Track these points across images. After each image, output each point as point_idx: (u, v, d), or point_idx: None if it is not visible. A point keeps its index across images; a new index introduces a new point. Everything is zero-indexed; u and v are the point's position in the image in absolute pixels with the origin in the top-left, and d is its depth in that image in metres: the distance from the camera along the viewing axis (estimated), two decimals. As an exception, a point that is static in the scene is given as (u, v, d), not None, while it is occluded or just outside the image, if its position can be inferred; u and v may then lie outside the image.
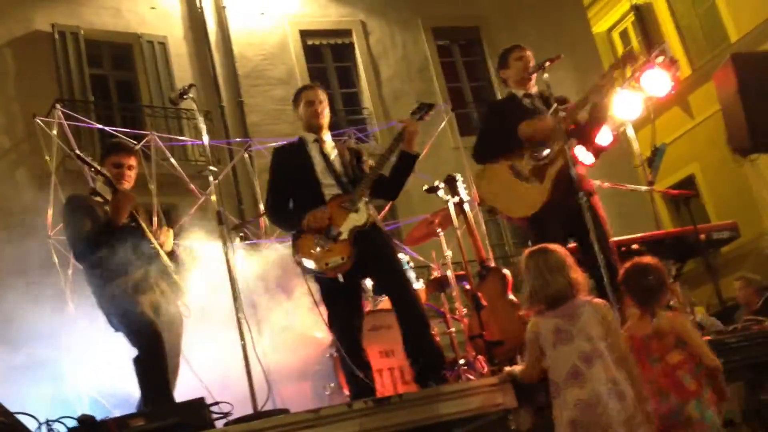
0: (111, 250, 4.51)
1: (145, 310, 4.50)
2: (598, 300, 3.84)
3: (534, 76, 5.12)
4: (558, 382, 3.64)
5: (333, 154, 4.75)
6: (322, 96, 4.86)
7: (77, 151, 4.77)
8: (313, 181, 4.63)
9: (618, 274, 4.24)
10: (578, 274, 3.76)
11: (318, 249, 4.42)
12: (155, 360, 4.44)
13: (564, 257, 3.79)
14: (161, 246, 4.77)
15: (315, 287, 4.69)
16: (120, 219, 4.57)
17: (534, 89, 5.18)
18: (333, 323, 4.56)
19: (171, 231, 4.95)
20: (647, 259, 4.11)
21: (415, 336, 4.39)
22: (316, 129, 4.78)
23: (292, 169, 4.71)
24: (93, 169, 4.58)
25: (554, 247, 3.87)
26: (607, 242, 4.81)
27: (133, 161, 4.85)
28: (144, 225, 4.75)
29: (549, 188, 4.84)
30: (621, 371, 3.58)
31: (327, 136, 4.82)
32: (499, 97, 14.40)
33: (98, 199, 4.71)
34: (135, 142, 9.52)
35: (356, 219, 4.47)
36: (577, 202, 4.56)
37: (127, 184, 4.77)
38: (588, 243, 4.52)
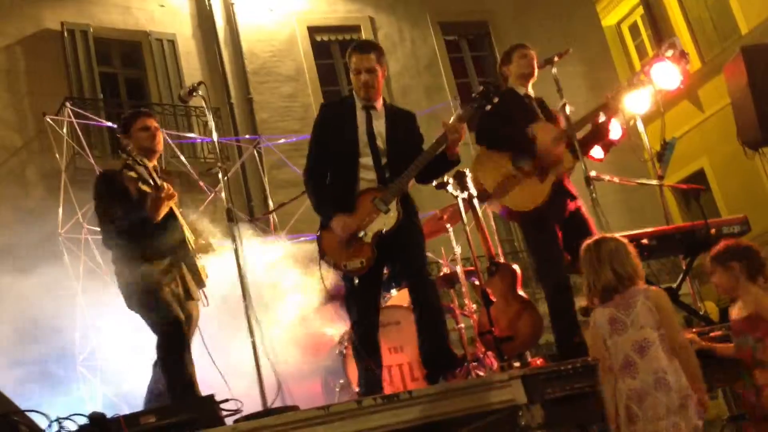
0: (140, 236, 4.45)
1: (168, 298, 4.46)
2: (654, 288, 3.85)
3: (534, 77, 5.12)
4: (615, 371, 3.70)
5: (381, 126, 4.54)
6: (371, 63, 4.49)
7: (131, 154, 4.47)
8: (352, 155, 4.46)
9: None
10: (633, 263, 3.77)
11: (341, 247, 4.38)
12: (176, 347, 4.40)
13: (617, 247, 3.81)
14: (192, 234, 4.74)
15: (333, 279, 4.69)
16: (158, 217, 4.47)
17: (532, 93, 5.17)
18: (352, 317, 4.56)
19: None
20: None
21: (429, 334, 4.38)
22: (366, 99, 4.55)
23: (335, 133, 4.52)
24: (139, 167, 4.34)
25: (609, 237, 3.92)
26: None
27: (156, 122, 4.82)
28: (177, 212, 4.67)
29: (548, 191, 4.87)
30: (674, 361, 3.62)
31: (379, 103, 4.59)
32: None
33: (132, 174, 4.46)
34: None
35: (384, 221, 4.37)
36: (569, 204, 4.70)
37: (159, 145, 4.73)
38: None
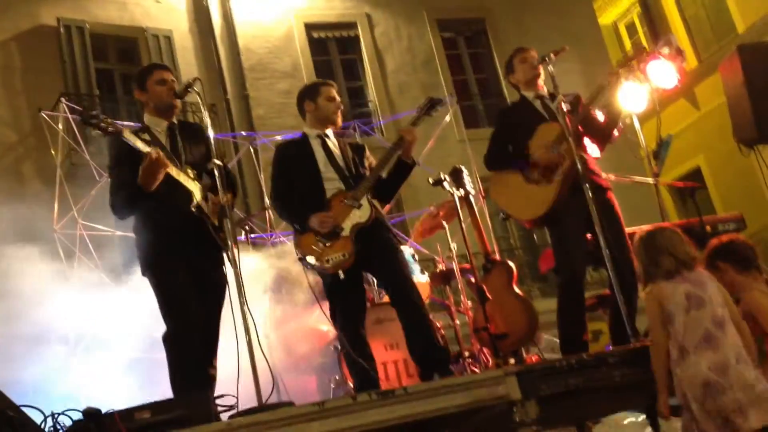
0: (147, 207, 4.29)
1: (181, 281, 4.27)
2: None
3: (542, 75, 5.11)
4: (686, 347, 3.76)
5: (336, 149, 4.77)
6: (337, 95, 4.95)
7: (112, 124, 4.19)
8: (315, 174, 4.65)
9: (633, 271, 4.35)
10: (690, 248, 3.93)
11: (320, 246, 4.45)
12: (182, 342, 4.24)
13: (671, 235, 3.96)
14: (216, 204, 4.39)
15: (317, 281, 4.70)
16: (150, 186, 4.17)
17: (544, 90, 5.16)
18: (336, 317, 4.58)
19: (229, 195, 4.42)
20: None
21: (416, 333, 4.39)
22: (330, 124, 4.82)
23: (295, 163, 4.72)
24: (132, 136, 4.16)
25: (664, 227, 4.11)
26: (623, 239, 4.80)
27: (173, 75, 4.65)
28: (182, 177, 4.36)
29: (557, 187, 4.84)
30: (738, 338, 3.75)
31: (330, 132, 4.85)
32: (504, 90, 14.41)
33: (145, 136, 4.36)
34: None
35: (359, 215, 4.50)
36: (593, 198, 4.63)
37: (178, 99, 4.53)
38: (604, 238, 4.51)
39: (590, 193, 4.55)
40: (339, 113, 4.84)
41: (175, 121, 4.63)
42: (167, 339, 4.32)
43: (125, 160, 4.24)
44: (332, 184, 4.64)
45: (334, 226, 4.45)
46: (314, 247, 4.46)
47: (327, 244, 4.44)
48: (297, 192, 4.69)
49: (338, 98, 4.87)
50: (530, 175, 4.95)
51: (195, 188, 4.42)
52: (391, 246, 4.59)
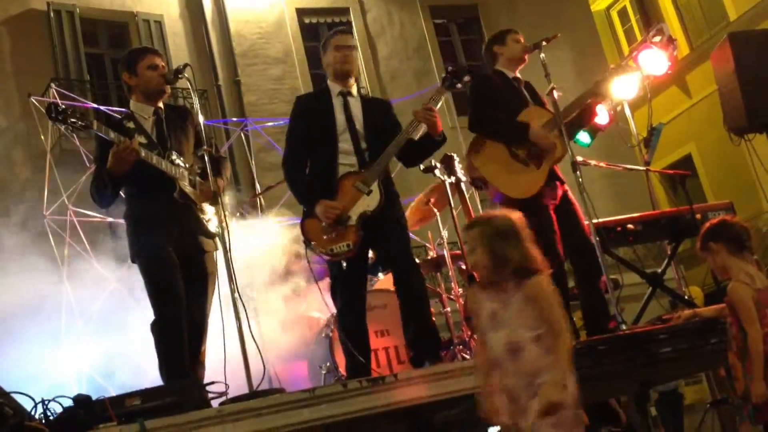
0: (131, 195, 4.32)
1: (169, 269, 4.25)
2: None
3: (525, 62, 5.12)
4: None
5: (358, 111, 4.58)
6: (353, 42, 4.81)
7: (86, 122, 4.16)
8: (331, 141, 4.48)
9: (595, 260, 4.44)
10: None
11: (325, 233, 4.37)
12: (170, 329, 4.23)
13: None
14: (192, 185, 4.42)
15: (315, 264, 4.70)
16: (118, 172, 4.13)
17: (521, 77, 5.17)
18: (338, 304, 4.56)
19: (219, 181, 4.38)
20: None
21: (412, 317, 4.38)
22: (345, 76, 4.63)
23: (312, 123, 4.55)
24: (103, 131, 4.12)
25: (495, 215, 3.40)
26: (583, 229, 4.87)
27: (163, 60, 4.60)
28: (168, 168, 4.31)
29: (545, 176, 4.87)
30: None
31: (354, 89, 4.68)
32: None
33: (130, 125, 4.37)
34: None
35: (367, 203, 4.38)
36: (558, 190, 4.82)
37: (168, 85, 4.50)
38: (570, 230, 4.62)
39: (561, 185, 4.72)
40: (352, 62, 4.62)
41: (161, 106, 4.58)
42: (155, 326, 4.32)
43: (105, 153, 4.19)
44: (346, 158, 4.48)
45: (339, 216, 4.36)
46: (319, 234, 4.38)
47: (333, 233, 4.36)
48: (311, 159, 4.53)
49: (347, 46, 4.66)
50: (516, 152, 4.92)
51: (181, 174, 4.40)
52: (398, 227, 4.51)
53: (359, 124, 4.54)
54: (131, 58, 4.59)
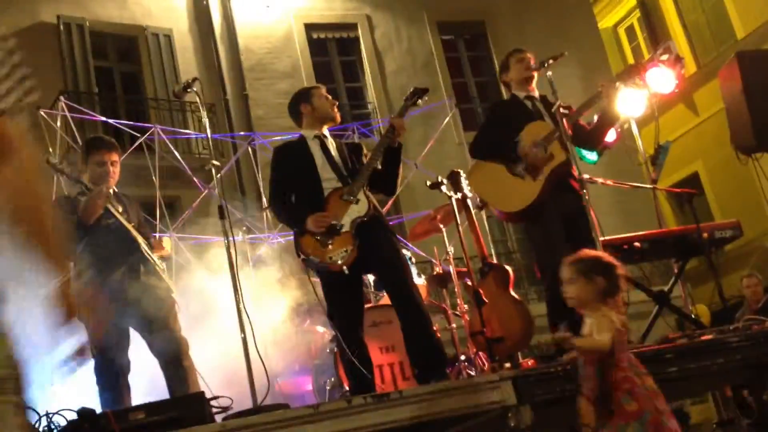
0: (86, 248, 4.58)
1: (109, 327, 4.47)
2: None
3: (535, 78, 5.15)
4: None
5: (333, 149, 4.77)
6: None
7: (53, 160, 4.98)
8: (313, 176, 4.63)
9: None
10: None
11: (321, 245, 4.43)
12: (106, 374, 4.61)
13: None
14: (153, 250, 4.84)
15: (317, 282, 4.71)
16: (88, 218, 4.61)
17: (536, 92, 5.20)
18: (335, 318, 4.56)
19: (170, 240, 5.00)
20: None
21: (416, 334, 4.38)
22: (330, 121, 4.83)
23: (293, 167, 4.71)
24: (66, 177, 4.73)
25: None
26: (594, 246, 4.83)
27: (115, 157, 4.88)
28: (123, 220, 4.77)
29: (541, 185, 4.87)
30: None
31: (326, 131, 4.85)
32: (503, 94, 14.41)
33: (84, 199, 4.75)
34: (139, 134, 9.56)
35: (357, 210, 4.49)
36: (574, 202, 4.70)
37: (112, 180, 4.83)
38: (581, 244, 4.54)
39: (577, 199, 4.69)
40: (335, 109, 4.86)
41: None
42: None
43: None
44: (330, 184, 4.62)
45: (331, 225, 4.43)
46: (316, 247, 4.44)
47: (329, 243, 4.43)
48: (295, 194, 4.70)
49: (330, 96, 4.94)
50: (515, 168, 4.97)
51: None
52: (391, 246, 4.57)
53: (337, 159, 4.72)
54: (87, 146, 4.98)
